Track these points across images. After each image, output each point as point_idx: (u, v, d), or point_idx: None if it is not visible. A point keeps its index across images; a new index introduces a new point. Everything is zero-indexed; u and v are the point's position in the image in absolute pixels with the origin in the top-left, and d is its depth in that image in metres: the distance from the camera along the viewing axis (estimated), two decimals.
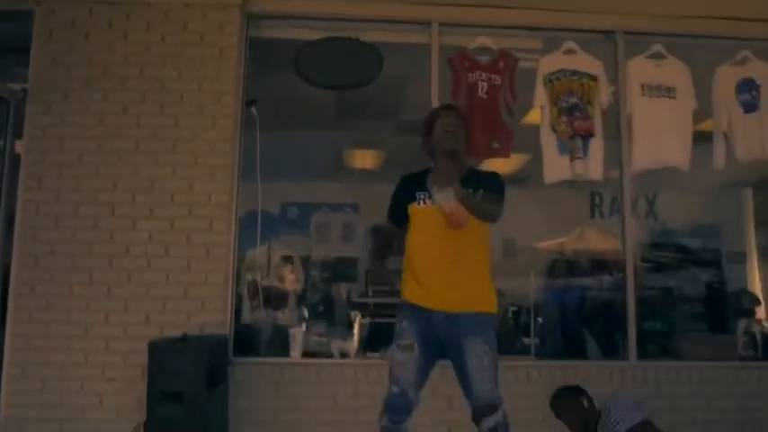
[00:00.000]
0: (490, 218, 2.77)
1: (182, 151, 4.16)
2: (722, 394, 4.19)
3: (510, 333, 5.69)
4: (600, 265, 6.28)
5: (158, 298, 4.03)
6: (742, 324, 4.79)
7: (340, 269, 6.74)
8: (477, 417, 2.68)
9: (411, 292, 2.81)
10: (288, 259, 6.14)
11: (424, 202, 2.82)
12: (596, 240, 6.62)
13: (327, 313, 6.06)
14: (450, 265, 2.75)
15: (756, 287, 6.22)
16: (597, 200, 6.78)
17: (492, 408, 2.66)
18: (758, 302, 5.72)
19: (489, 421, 2.67)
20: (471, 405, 2.71)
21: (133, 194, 4.11)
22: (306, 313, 5.65)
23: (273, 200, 6.53)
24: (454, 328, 2.71)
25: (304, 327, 4.74)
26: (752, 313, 5.44)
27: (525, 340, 5.54)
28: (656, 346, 5.30)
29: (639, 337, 4.42)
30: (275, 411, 3.99)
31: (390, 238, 3.08)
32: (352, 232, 7.08)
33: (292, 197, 6.91)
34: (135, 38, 4.24)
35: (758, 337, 4.56)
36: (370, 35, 4.51)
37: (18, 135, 4.20)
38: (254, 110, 4.38)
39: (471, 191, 2.65)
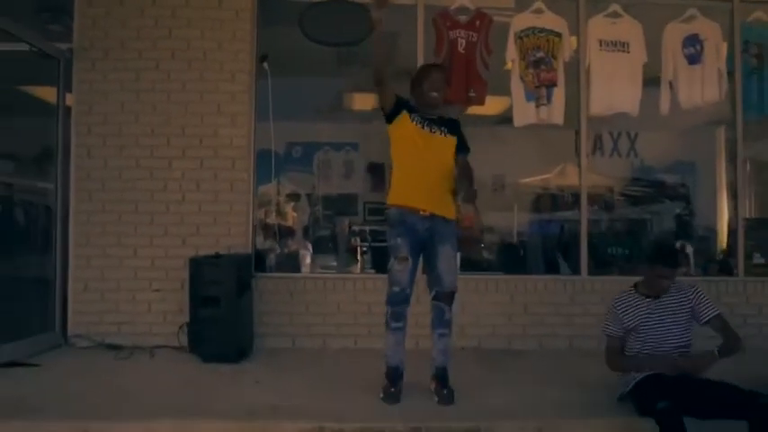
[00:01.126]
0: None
1: (207, 101, 4.94)
2: None
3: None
4: (578, 199, 7.06)
5: (192, 224, 4.90)
6: (677, 245, 5.66)
7: (341, 203, 7.47)
8: (441, 299, 3.55)
9: (400, 195, 3.58)
10: (293, 196, 6.96)
11: (414, 122, 3.56)
12: (577, 176, 7.37)
13: (331, 242, 6.89)
14: (429, 178, 3.54)
15: (723, 220, 7.05)
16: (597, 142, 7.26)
17: (453, 293, 3.57)
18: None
19: (448, 312, 3.58)
20: (437, 289, 3.56)
21: (168, 139, 4.92)
22: (310, 247, 6.39)
23: (279, 140, 7.25)
24: (433, 236, 3.55)
25: (311, 247, 5.59)
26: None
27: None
28: (617, 267, 6.20)
29: (598, 258, 5.28)
30: (290, 315, 4.93)
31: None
32: (352, 169, 7.85)
33: (296, 137, 7.53)
34: (163, 3, 4.96)
35: (690, 256, 5.44)
36: None
37: (67, 88, 4.96)
38: (265, 64, 5.12)
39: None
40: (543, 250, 6.80)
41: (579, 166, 5.38)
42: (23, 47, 4.58)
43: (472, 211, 3.42)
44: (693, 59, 5.25)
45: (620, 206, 7.15)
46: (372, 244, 6.04)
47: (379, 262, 5.37)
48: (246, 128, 4.98)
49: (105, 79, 4.91)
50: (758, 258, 5.46)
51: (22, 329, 4.55)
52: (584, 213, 5.29)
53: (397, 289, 3.54)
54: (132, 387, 3.78)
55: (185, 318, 4.64)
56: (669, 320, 3.30)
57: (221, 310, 4.37)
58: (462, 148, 3.68)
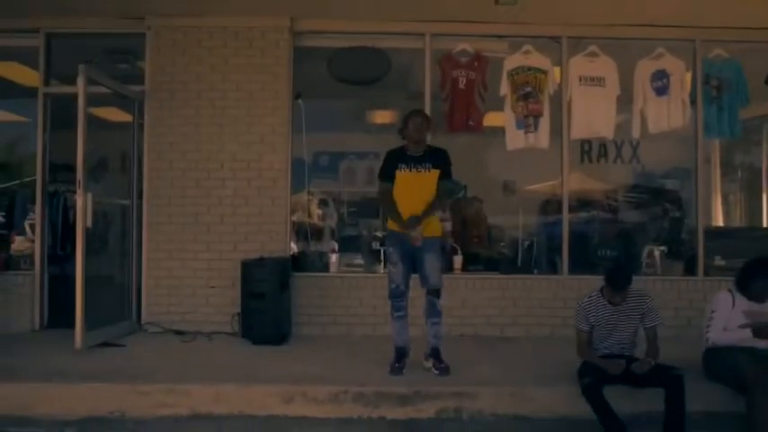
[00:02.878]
0: (448, 204, 4.63)
1: (253, 132, 6.05)
2: None
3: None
4: (581, 203, 7.82)
5: (241, 233, 6.02)
6: (645, 249, 6.60)
7: (364, 208, 8.24)
8: (430, 293, 4.58)
9: (394, 224, 4.65)
10: (323, 202, 7.99)
11: (403, 170, 4.56)
12: (580, 183, 8.16)
13: (354, 243, 7.82)
14: (418, 207, 4.56)
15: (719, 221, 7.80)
16: (586, 147, 7.96)
17: (438, 289, 4.60)
18: None
19: (438, 303, 4.61)
20: (426, 286, 4.59)
21: (221, 163, 6.05)
22: (336, 246, 7.18)
23: (310, 152, 8.11)
24: (420, 249, 4.60)
25: (337, 247, 6.62)
26: None
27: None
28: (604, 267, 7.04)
29: (587, 260, 6.22)
30: (320, 307, 6.03)
31: (389, 197, 4.75)
32: (374, 176, 8.67)
33: (325, 148, 8.26)
34: (216, 52, 6.07)
35: (657, 259, 6.40)
36: (383, 43, 6.22)
37: (140, 123, 6.10)
38: (300, 101, 6.21)
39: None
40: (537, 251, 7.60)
41: (562, 177, 6.34)
42: (106, 89, 5.71)
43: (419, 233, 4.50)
44: (661, 91, 6.19)
45: (604, 212, 7.86)
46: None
47: None
48: (284, 154, 6.07)
49: (171, 115, 6.04)
50: (719, 261, 6.39)
51: (108, 318, 5.70)
52: (565, 217, 6.27)
53: (393, 286, 4.62)
54: (200, 361, 4.92)
55: (236, 309, 5.76)
56: (623, 326, 4.16)
57: (266, 303, 5.48)
58: (444, 175, 4.67)
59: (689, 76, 6.27)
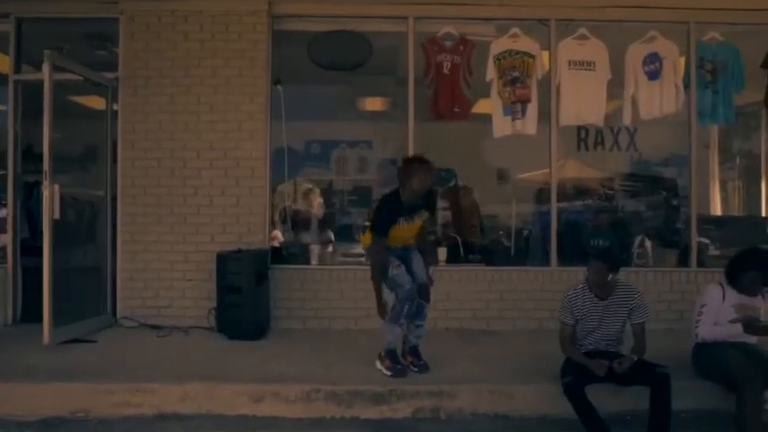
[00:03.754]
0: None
1: (230, 120, 5.84)
2: None
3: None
4: (576, 192, 7.62)
5: (219, 224, 5.83)
6: (637, 239, 6.39)
7: (356, 196, 8.20)
8: (420, 291, 4.39)
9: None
10: (311, 190, 7.81)
11: (400, 224, 4.36)
12: (576, 171, 7.97)
13: (345, 232, 7.60)
14: (409, 239, 4.51)
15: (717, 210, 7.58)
16: (583, 134, 7.90)
17: (427, 286, 4.45)
18: None
19: (427, 308, 4.45)
20: (418, 283, 4.39)
21: (197, 152, 5.84)
22: (332, 236, 7.16)
23: (299, 139, 7.94)
24: (408, 254, 4.47)
25: (332, 236, 6.35)
26: None
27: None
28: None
29: (578, 251, 6.05)
30: (301, 300, 5.84)
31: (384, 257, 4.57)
32: (362, 164, 8.52)
33: (315, 136, 8.23)
34: (193, 37, 5.85)
35: (649, 249, 6.20)
36: (364, 27, 6.01)
37: (115, 111, 5.90)
38: (279, 87, 5.99)
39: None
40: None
41: (550, 166, 6.12)
42: (78, 77, 5.52)
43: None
44: (653, 76, 5.96)
45: (597, 201, 7.73)
46: None
47: None
48: (263, 142, 5.87)
49: (146, 102, 5.83)
50: (713, 250, 6.19)
51: (80, 312, 5.52)
52: (554, 208, 6.07)
53: (407, 287, 4.34)
54: (171, 358, 4.75)
55: (213, 303, 5.59)
56: (609, 320, 3.97)
57: (243, 297, 5.30)
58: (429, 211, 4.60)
59: (683, 60, 6.03)
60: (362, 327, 5.69)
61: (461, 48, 5.97)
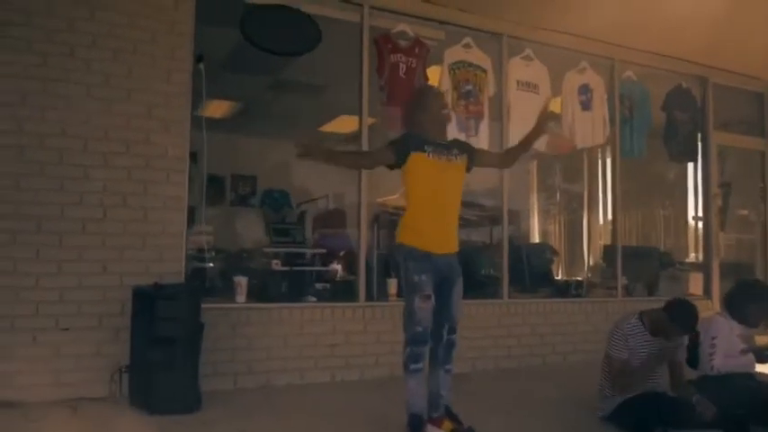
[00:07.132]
0: None
1: (136, 101, 4.16)
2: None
3: None
4: None
5: (115, 248, 4.06)
6: None
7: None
8: (448, 331, 3.42)
9: (417, 239, 3.34)
10: None
11: (429, 154, 3.31)
12: None
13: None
14: (447, 214, 3.42)
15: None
16: None
17: (455, 326, 3.46)
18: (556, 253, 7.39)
19: (454, 337, 3.46)
20: (446, 322, 3.39)
21: (84, 142, 4.02)
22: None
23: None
24: (450, 272, 3.44)
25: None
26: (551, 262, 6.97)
27: None
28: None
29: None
30: (231, 351, 4.32)
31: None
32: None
33: None
34: None
35: (584, 283, 6.13)
36: (311, 9, 4.84)
37: None
38: (201, 66, 4.47)
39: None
40: None
41: (502, 190, 5.66)
42: None
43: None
44: (585, 106, 5.94)
45: None
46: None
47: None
48: (183, 136, 4.29)
49: (1, 60, 3.83)
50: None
51: None
52: (505, 238, 5.61)
53: (420, 329, 3.29)
54: None
55: (109, 362, 3.81)
56: (654, 363, 3.61)
57: (176, 352, 3.67)
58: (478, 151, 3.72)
59: (606, 95, 6.12)
60: (311, 380, 4.45)
61: (417, 50, 5.19)
